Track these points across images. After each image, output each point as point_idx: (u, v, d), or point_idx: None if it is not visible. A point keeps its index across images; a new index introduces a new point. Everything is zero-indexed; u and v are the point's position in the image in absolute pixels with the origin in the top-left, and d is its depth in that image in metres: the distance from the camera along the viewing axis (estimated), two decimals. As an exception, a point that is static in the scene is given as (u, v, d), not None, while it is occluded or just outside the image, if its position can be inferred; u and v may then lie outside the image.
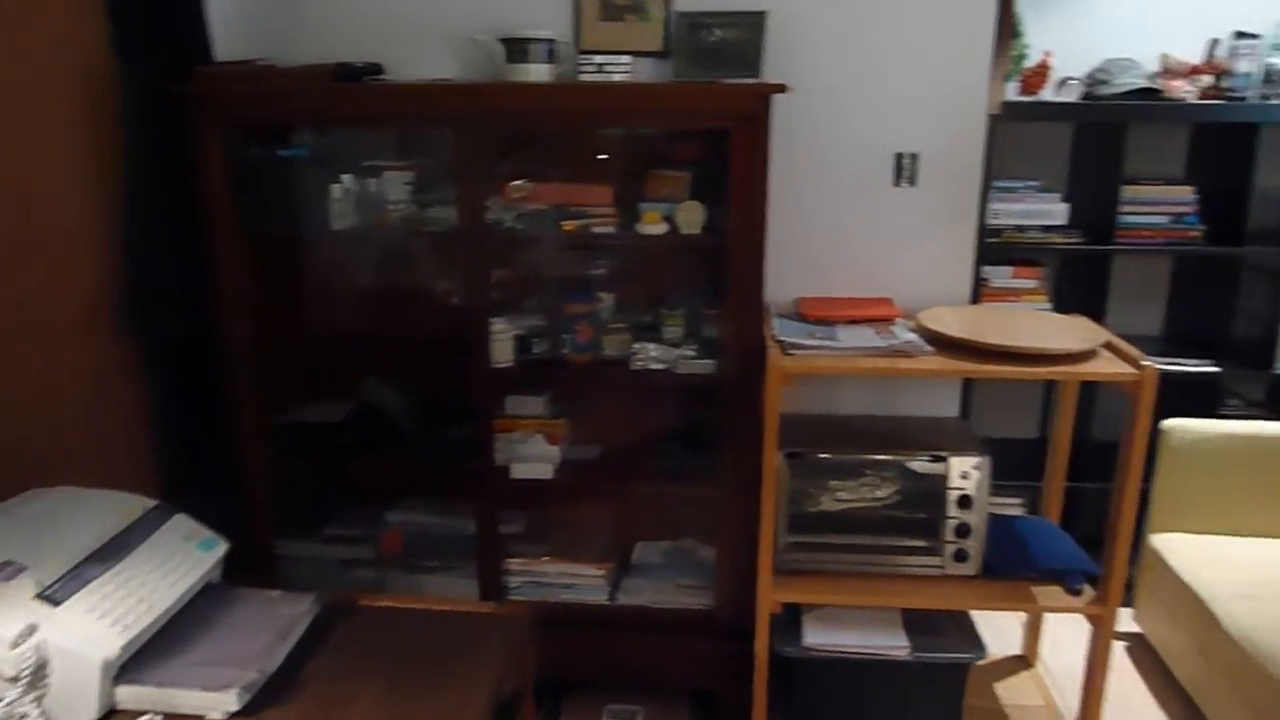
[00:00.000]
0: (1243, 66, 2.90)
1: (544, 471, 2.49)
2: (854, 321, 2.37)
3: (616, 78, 2.30)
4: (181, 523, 1.54)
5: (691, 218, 2.32)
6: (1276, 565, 2.60)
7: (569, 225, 2.35)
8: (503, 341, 2.41)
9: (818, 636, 2.30)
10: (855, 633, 2.31)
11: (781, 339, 2.22)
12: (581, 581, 2.59)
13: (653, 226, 2.33)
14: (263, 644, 1.40)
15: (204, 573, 1.49)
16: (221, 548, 1.56)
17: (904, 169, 2.47)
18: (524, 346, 2.47)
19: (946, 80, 2.42)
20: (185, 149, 2.24)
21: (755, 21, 2.31)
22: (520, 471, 2.48)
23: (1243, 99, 2.90)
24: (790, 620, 2.37)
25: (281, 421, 2.58)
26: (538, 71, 2.30)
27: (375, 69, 2.38)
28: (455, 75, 2.48)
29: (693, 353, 2.43)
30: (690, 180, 2.37)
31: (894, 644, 2.28)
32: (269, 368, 2.47)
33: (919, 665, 2.28)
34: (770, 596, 2.27)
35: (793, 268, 2.55)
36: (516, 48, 2.30)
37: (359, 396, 2.69)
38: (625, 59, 2.30)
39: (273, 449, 2.50)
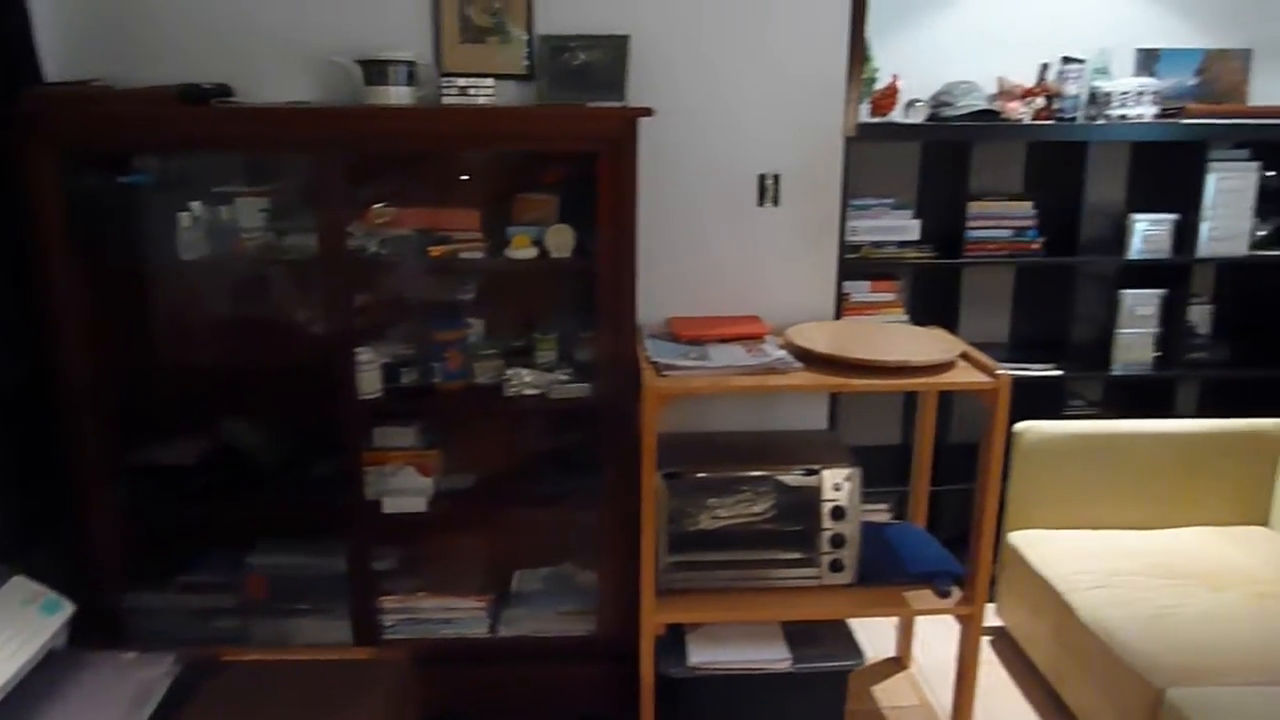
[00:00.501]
0: (1070, 89, 3.10)
1: (417, 504, 2.42)
2: (725, 340, 2.40)
3: (480, 101, 2.26)
4: (19, 586, 1.42)
5: (561, 241, 2.31)
6: (1124, 555, 2.78)
7: (436, 250, 2.30)
8: (369, 371, 2.33)
9: (702, 655, 2.31)
10: (738, 648, 2.33)
11: (656, 360, 2.23)
12: (461, 615, 2.52)
13: (522, 250, 2.30)
14: (117, 714, 1.30)
15: (47, 639, 1.38)
16: (66, 609, 1.45)
17: (767, 189, 2.53)
18: (392, 376, 2.40)
19: (805, 102, 2.50)
20: (13, 176, 2.08)
21: (618, 45, 2.32)
22: (392, 505, 2.41)
23: (1072, 119, 3.10)
24: (674, 640, 2.37)
25: (131, 464, 2.41)
26: (398, 94, 2.25)
27: (224, 90, 2.27)
28: (311, 98, 2.39)
29: (566, 377, 2.41)
30: (559, 203, 2.36)
31: (776, 657, 2.31)
32: (115, 407, 2.31)
33: (801, 676, 2.32)
34: (654, 618, 2.27)
35: (663, 288, 2.57)
36: (375, 69, 2.24)
37: (216, 435, 2.55)
38: (488, 82, 2.27)
39: (121, 494, 2.34)
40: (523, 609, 2.59)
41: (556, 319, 2.51)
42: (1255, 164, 3.12)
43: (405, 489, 2.41)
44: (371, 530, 2.42)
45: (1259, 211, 3.16)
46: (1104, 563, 2.73)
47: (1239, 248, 3.16)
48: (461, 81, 2.26)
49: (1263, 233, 3.19)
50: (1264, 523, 3.04)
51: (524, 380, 2.38)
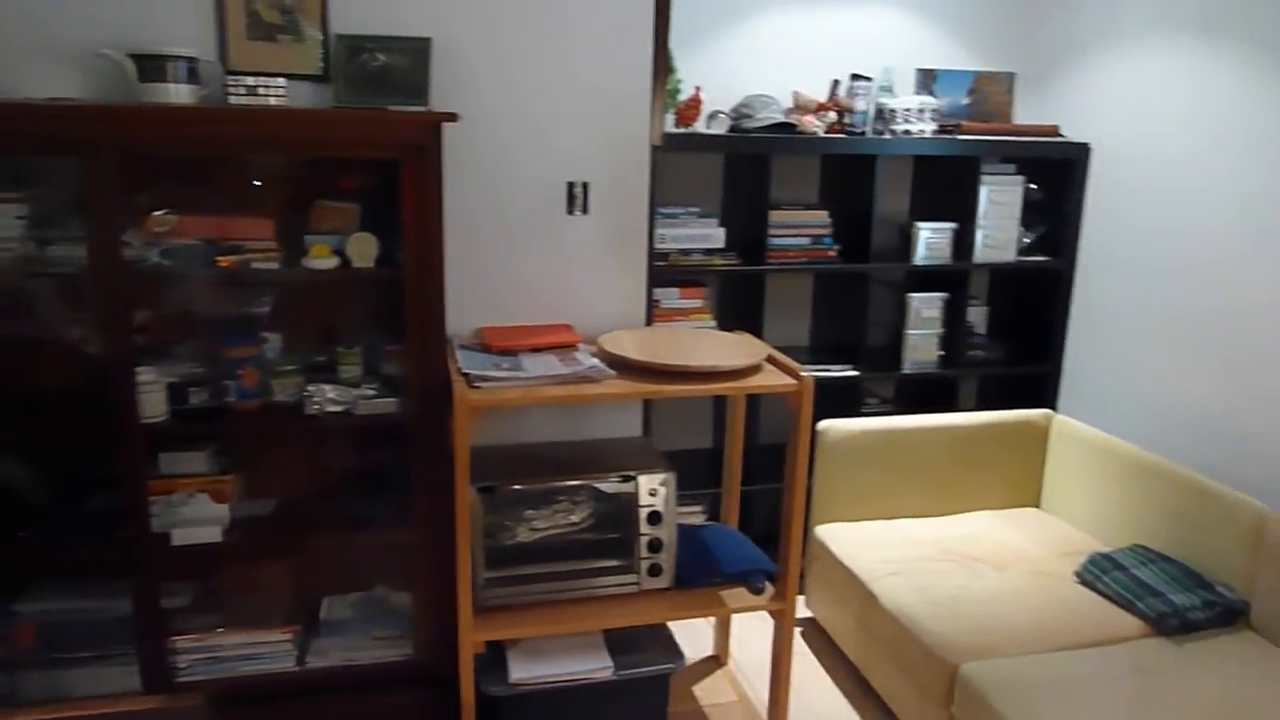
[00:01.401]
0: (860, 105, 3.28)
1: (211, 534, 2.25)
2: (538, 350, 2.38)
3: (272, 102, 2.13)
4: None
5: (364, 250, 2.21)
6: (918, 542, 2.96)
7: (225, 261, 2.15)
8: (153, 393, 2.15)
9: (524, 671, 2.27)
10: (560, 661, 2.30)
11: (467, 372, 2.17)
12: (265, 650, 2.36)
13: (321, 260, 2.19)
14: None
15: None
16: None
17: (576, 197, 2.53)
18: (179, 397, 2.22)
19: (611, 111, 2.51)
20: None
21: (420, 48, 2.25)
22: (183, 537, 2.23)
23: (861, 134, 3.28)
24: (495, 658, 2.32)
25: None
26: (178, 92, 2.08)
27: (-32, 85, 2.04)
28: (79, 94, 2.17)
29: (373, 391, 2.31)
30: (360, 211, 2.27)
31: (599, 666, 2.30)
32: None
33: (624, 683, 2.33)
34: (472, 637, 2.21)
35: (473, 298, 2.51)
36: (151, 65, 2.06)
37: (-30, 470, 2.27)
38: (280, 82, 2.15)
39: None
40: (333, 638, 2.46)
41: (360, 332, 2.41)
42: (1020, 178, 3.41)
43: (197, 518, 2.24)
44: (160, 565, 2.23)
45: (1024, 221, 3.45)
46: (900, 550, 2.90)
47: (1008, 254, 3.44)
48: (250, 81, 2.12)
49: (1028, 240, 3.49)
50: (1036, 504, 3.33)
51: (326, 397, 2.27)
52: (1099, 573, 2.69)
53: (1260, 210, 2.72)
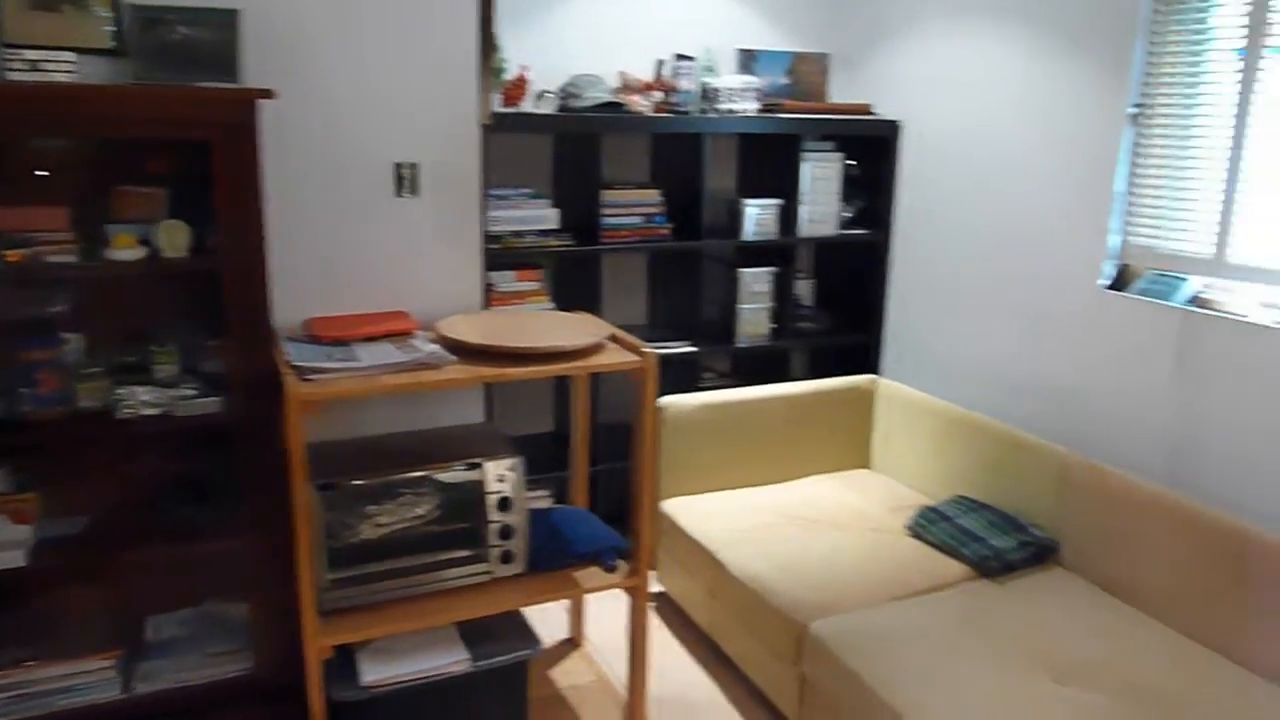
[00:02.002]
0: (685, 84, 3.33)
1: (13, 559, 2.04)
2: (372, 338, 2.28)
3: (59, 77, 1.94)
4: None
5: (175, 239, 2.05)
6: (762, 509, 3.04)
7: (13, 255, 1.94)
8: (-68, 407, 1.92)
9: (376, 672, 2.18)
10: (414, 658, 2.23)
11: (297, 364, 2.06)
12: (85, 680, 2.17)
13: (126, 251, 2.02)
14: None
15: None
16: None
17: (405, 179, 2.43)
18: (-35, 409, 2.00)
19: (437, 90, 2.43)
20: None
21: (226, 20, 2.10)
22: (-21, 564, 2.01)
23: (687, 113, 3.33)
24: (344, 662, 2.21)
25: None
26: (-56, 68, 1.86)
27: None
28: None
29: (193, 391, 2.15)
30: (168, 197, 2.10)
31: (454, 659, 2.24)
32: None
33: (482, 674, 2.28)
34: (318, 642, 2.10)
35: (299, 288, 2.38)
36: (-93, 37, 1.83)
37: None
38: (68, 56, 1.95)
39: None
40: (163, 659, 2.28)
41: (176, 327, 2.23)
42: (838, 155, 3.56)
43: (-5, 542, 2.03)
44: (-49, 597, 2.01)
45: (844, 196, 3.60)
46: (745, 518, 2.98)
47: (830, 228, 3.59)
48: (31, 54, 1.92)
49: (848, 214, 3.64)
50: (867, 465, 3.49)
51: (140, 400, 2.09)
52: (927, 524, 2.85)
53: (1051, 179, 2.94)
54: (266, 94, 1.97)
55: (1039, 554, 2.71)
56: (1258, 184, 2.44)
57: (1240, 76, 2.45)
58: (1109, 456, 2.81)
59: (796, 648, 2.46)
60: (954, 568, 2.70)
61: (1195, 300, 2.57)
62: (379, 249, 2.45)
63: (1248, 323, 2.42)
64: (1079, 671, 2.21)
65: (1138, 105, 2.70)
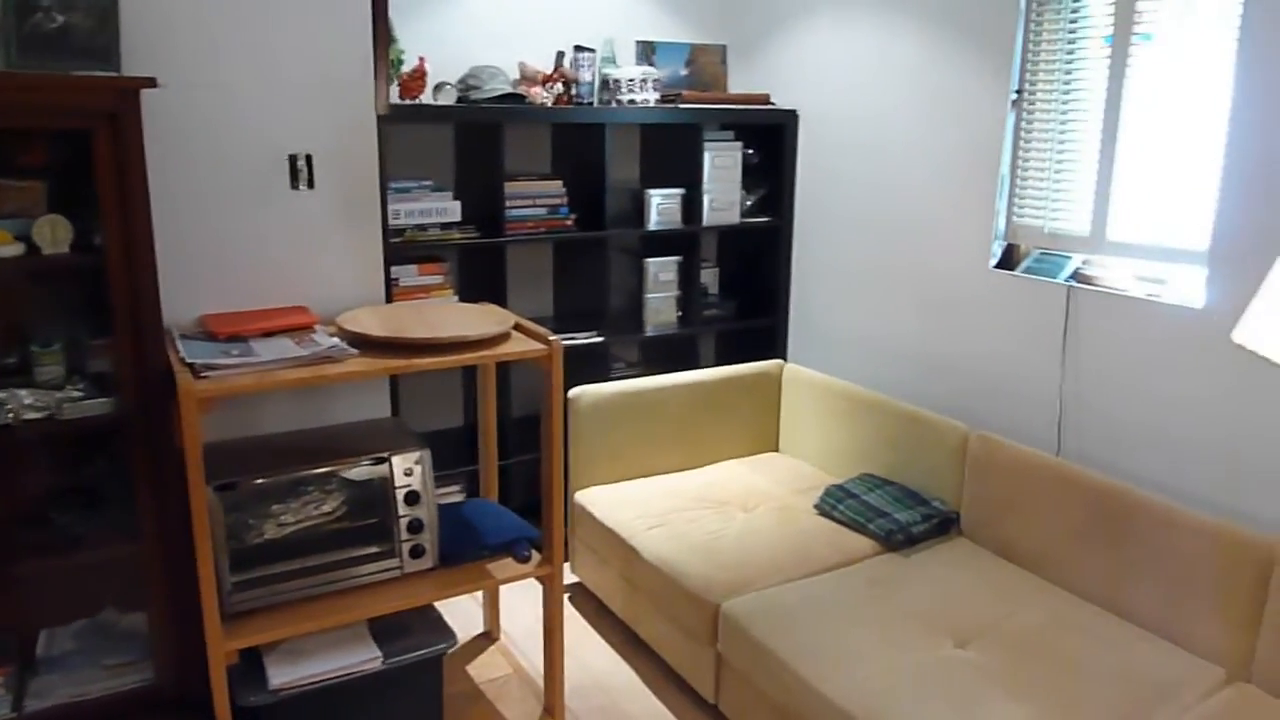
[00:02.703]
0: (585, 76, 3.33)
1: (-113, 575, 1.93)
2: (270, 334, 2.23)
3: (-81, 67, 1.84)
4: None
5: (55, 234, 1.97)
6: (674, 495, 3.07)
7: (-125, 255, 1.83)
8: None
9: (285, 675, 2.13)
10: (324, 658, 2.19)
11: (191, 361, 2.00)
12: (-32, 700, 2.07)
13: (3, 248, 1.92)
14: None
15: None
16: None
17: (300, 171, 2.38)
18: None
19: (332, 81, 2.38)
20: None
21: (105, 7, 2.02)
22: None
23: (589, 104, 3.33)
24: (251, 666, 2.16)
25: None
26: None
27: None
28: None
29: (80, 393, 2.07)
30: (46, 190, 2.01)
31: (366, 657, 2.21)
32: None
33: (395, 671, 2.25)
34: (223, 647, 2.04)
35: (192, 283, 2.31)
36: None
37: None
38: (-70, 44, 1.85)
39: None
40: (55, 674, 2.19)
41: (60, 326, 2.14)
42: (738, 144, 3.61)
43: None
44: None
45: (745, 184, 3.66)
46: (657, 504, 3.00)
47: (733, 216, 3.64)
48: (-112, 43, 1.82)
49: (750, 202, 3.70)
50: (775, 448, 3.56)
51: (22, 403, 2.00)
52: (834, 503, 2.92)
53: (941, 164, 3.04)
54: (149, 82, 1.90)
55: (941, 525, 2.81)
56: (1130, 165, 2.57)
57: (1110, 63, 2.57)
58: (1003, 428, 2.93)
59: (711, 628, 2.50)
60: (861, 543, 2.77)
61: (1076, 276, 2.69)
62: (275, 243, 2.39)
63: (1124, 295, 2.55)
64: (978, 633, 2.30)
65: (1019, 91, 2.82)
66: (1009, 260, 2.91)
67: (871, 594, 2.48)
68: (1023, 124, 2.84)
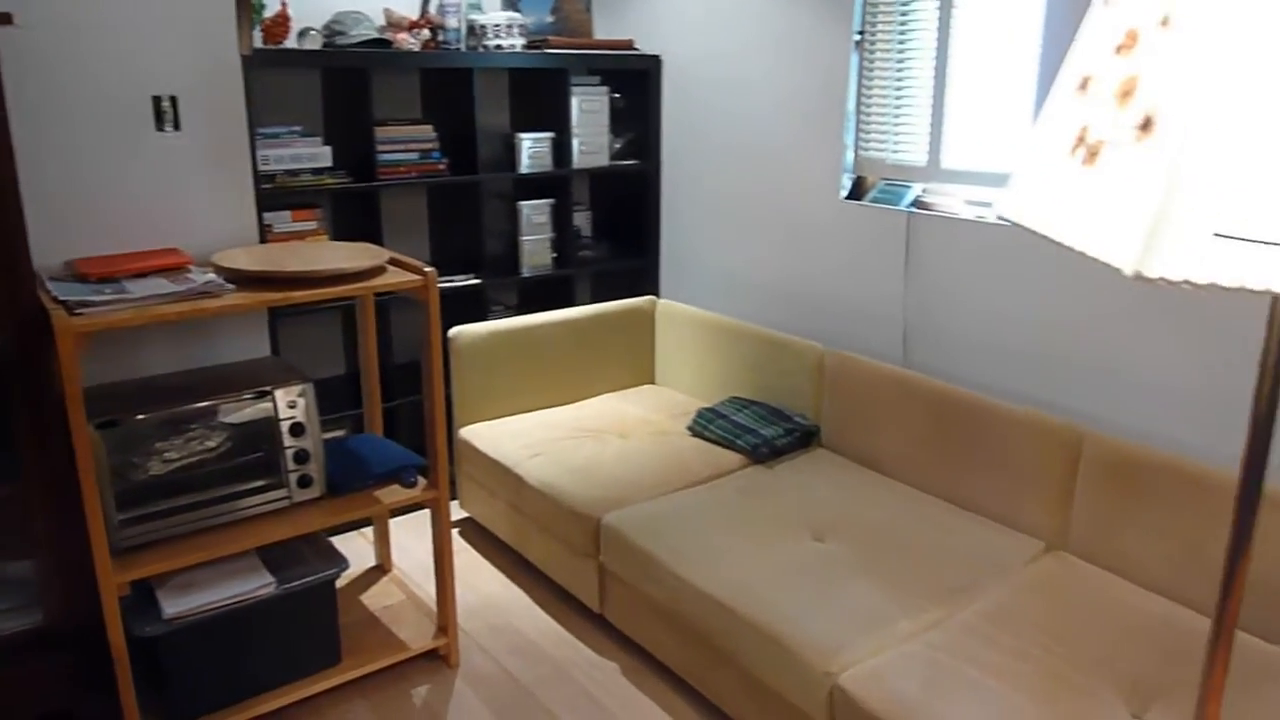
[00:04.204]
0: (451, 22, 3.38)
1: None
2: (142, 274, 2.24)
3: None
4: None
5: (-89, 177, 1.94)
6: (553, 427, 3.22)
7: None
8: None
9: (178, 605, 2.19)
10: (217, 587, 2.25)
11: (65, 300, 2.01)
12: None
13: None
14: None
15: None
16: None
17: (165, 113, 2.38)
18: None
19: (193, 21, 2.38)
20: None
21: (-53, -56, 1.98)
22: None
23: (456, 49, 3.39)
24: (144, 600, 2.21)
25: None
26: None
27: None
28: None
29: (-51, 338, 2.05)
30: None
31: (259, 584, 2.28)
32: None
33: (289, 596, 2.33)
34: (113, 580, 2.08)
35: (60, 227, 2.29)
36: None
37: None
38: None
39: None
40: (-63, 623, 2.19)
41: (-80, 275, 2.11)
42: (605, 89, 3.73)
43: None
44: None
45: (613, 129, 3.78)
46: (539, 435, 3.14)
47: (602, 159, 3.77)
48: None
49: (618, 145, 3.83)
50: (651, 381, 3.74)
51: (-113, 350, 1.98)
52: (705, 423, 3.12)
53: (793, 103, 3.24)
54: (4, 19, 1.89)
55: (803, 439, 3.04)
56: (959, 99, 2.81)
57: (939, 5, 2.80)
58: (856, 346, 3.17)
59: (593, 541, 2.66)
60: (731, 458, 2.98)
61: (916, 203, 2.93)
62: (144, 186, 2.39)
63: (957, 219, 2.80)
64: (834, 529, 2.53)
65: (860, 32, 3.02)
66: (857, 191, 3.13)
67: (740, 501, 2.68)
68: (865, 64, 3.05)
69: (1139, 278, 0.86)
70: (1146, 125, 0.89)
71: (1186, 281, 0.84)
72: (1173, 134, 0.85)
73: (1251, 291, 0.82)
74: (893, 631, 2.08)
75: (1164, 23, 0.91)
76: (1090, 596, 2.20)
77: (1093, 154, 0.97)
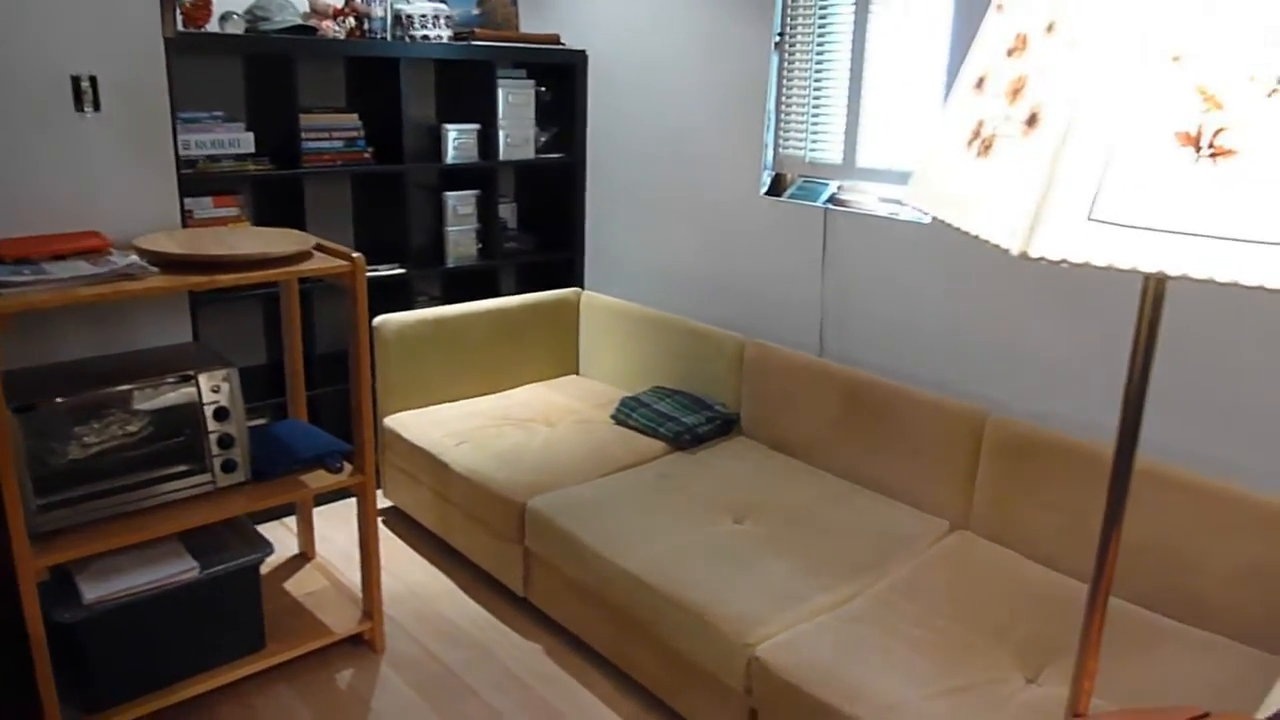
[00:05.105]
0: (377, 11, 3.38)
1: None
2: (61, 256, 2.21)
3: None
4: None
5: None
6: (479, 416, 3.25)
7: None
8: None
9: (98, 590, 2.17)
10: (138, 572, 2.23)
11: (-19, 281, 1.98)
12: None
13: None
14: None
15: None
16: None
17: (84, 94, 2.35)
18: None
19: (114, 1, 2.35)
20: None
21: None
22: None
23: (383, 38, 3.39)
24: (62, 585, 2.18)
25: None
26: None
27: None
28: None
29: None
30: None
31: (182, 569, 2.27)
32: None
33: (212, 580, 2.32)
34: (32, 565, 2.05)
35: (-29, 208, 2.25)
36: None
37: None
38: None
39: None
40: None
41: None
42: (531, 82, 3.77)
43: None
44: None
45: (538, 121, 3.83)
46: (464, 424, 3.17)
47: (528, 152, 3.81)
48: None
49: (544, 138, 3.88)
50: (575, 371, 3.80)
51: None
52: (628, 412, 3.19)
53: (716, 102, 3.33)
54: (-83, -8, 1.85)
55: (724, 426, 3.13)
56: (874, 101, 2.94)
57: (855, 9, 2.92)
58: (775, 336, 3.28)
59: (518, 525, 2.71)
60: (654, 445, 3.05)
61: (833, 199, 3.05)
62: (64, 168, 2.35)
63: (871, 215, 2.93)
64: (753, 511, 2.63)
65: (780, 34, 3.13)
66: (777, 187, 3.24)
67: (662, 486, 2.76)
68: (785, 64, 3.16)
69: (1024, 256, 0.96)
70: (1032, 120, 0.99)
71: (1064, 260, 0.94)
72: (1055, 128, 0.95)
73: (1120, 270, 0.93)
74: (808, 606, 2.18)
75: (1049, 29, 1.01)
76: (990, 571, 2.34)
77: (987, 146, 1.07)
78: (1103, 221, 0.93)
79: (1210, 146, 0.90)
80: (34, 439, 2.11)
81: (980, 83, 1.12)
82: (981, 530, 2.54)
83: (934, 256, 2.76)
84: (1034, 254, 0.95)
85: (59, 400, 2.14)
